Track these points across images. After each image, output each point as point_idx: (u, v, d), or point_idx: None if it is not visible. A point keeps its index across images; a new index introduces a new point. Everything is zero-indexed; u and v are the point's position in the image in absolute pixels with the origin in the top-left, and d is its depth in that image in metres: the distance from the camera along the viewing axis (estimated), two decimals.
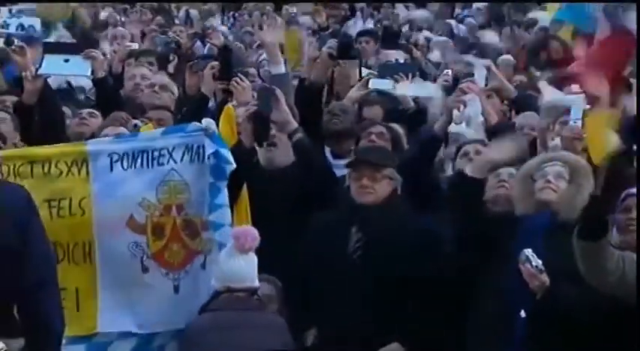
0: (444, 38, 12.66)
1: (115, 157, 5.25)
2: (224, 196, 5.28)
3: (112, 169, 5.25)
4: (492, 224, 5.08)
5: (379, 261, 5.27)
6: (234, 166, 5.26)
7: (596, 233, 4.32)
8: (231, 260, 5.03)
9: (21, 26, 13.32)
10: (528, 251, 4.66)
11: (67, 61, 6.59)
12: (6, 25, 13.39)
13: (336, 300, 5.31)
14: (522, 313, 4.71)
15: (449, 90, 7.26)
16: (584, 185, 4.90)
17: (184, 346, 5.08)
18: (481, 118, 6.96)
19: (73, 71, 6.81)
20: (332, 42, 7.39)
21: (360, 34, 11.19)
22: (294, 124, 5.90)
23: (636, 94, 7.50)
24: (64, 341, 4.36)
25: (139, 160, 5.27)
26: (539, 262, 4.63)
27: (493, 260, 4.94)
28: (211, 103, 6.96)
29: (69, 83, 8.33)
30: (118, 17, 14.66)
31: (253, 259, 5.04)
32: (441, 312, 5.24)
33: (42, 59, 6.83)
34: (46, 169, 5.17)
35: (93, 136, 6.31)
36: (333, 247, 5.39)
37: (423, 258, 5.26)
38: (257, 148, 5.88)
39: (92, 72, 6.96)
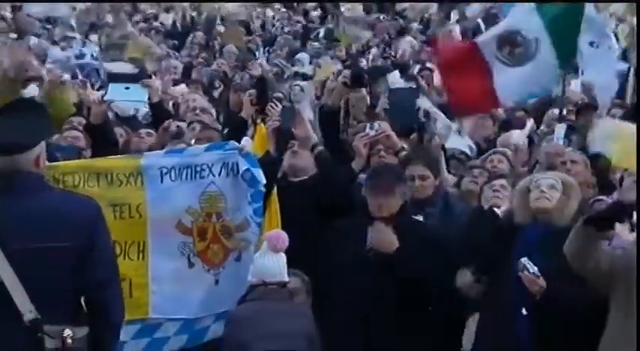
0: None
1: (164, 170, 5.25)
2: (258, 207, 5.33)
3: (162, 180, 5.24)
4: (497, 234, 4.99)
5: (390, 260, 5.14)
6: (264, 182, 5.30)
7: (605, 226, 4.34)
8: (265, 259, 5.05)
9: (92, 55, 13.36)
10: (525, 260, 4.57)
11: (127, 88, 6.58)
12: (82, 55, 13.42)
13: (351, 292, 5.23)
14: (524, 311, 4.59)
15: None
16: (573, 196, 4.83)
17: (231, 331, 5.03)
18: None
19: (132, 97, 6.75)
20: (346, 73, 7.34)
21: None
22: (315, 139, 5.89)
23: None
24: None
25: (184, 173, 5.27)
26: (536, 268, 4.54)
27: (497, 265, 4.82)
28: None
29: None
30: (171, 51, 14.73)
31: (283, 257, 5.06)
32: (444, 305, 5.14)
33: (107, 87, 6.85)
34: (109, 179, 5.16)
35: (150, 149, 6.40)
36: (348, 246, 5.30)
37: (431, 256, 5.13)
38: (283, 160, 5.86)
39: (149, 98, 6.92)
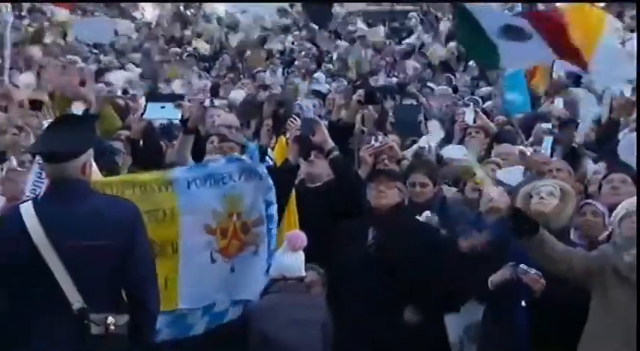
0: (444, 87, 12.56)
1: (191, 179, 5.24)
2: (273, 205, 5.31)
3: (189, 187, 5.22)
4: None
5: (390, 254, 5.09)
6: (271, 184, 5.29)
7: (527, 232, 4.22)
8: (285, 256, 5.06)
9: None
10: (524, 266, 4.51)
11: (163, 107, 6.61)
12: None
13: (354, 287, 5.17)
14: (523, 303, 4.55)
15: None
16: (569, 202, 4.79)
17: (254, 320, 5.06)
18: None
19: (166, 115, 6.77)
20: (360, 92, 7.33)
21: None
22: (331, 144, 5.83)
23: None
24: None
25: (208, 181, 5.25)
26: (534, 270, 4.49)
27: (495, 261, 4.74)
28: None
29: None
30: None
31: (302, 255, 5.08)
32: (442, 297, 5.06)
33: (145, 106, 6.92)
34: (143, 189, 5.14)
35: None
36: (354, 245, 5.26)
37: (428, 253, 5.06)
38: (301, 166, 5.83)
39: (182, 115, 6.93)
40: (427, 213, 5.63)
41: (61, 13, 15.86)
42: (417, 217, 5.55)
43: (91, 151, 3.90)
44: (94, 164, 4.08)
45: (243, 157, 5.64)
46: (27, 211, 3.73)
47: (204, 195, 5.22)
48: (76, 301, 3.68)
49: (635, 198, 4.61)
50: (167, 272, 5.13)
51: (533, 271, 4.45)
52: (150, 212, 5.08)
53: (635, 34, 7.96)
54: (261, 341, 4.99)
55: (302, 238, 5.09)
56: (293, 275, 5.06)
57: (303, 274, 5.10)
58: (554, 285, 4.45)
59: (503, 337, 4.54)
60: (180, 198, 5.17)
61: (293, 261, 5.07)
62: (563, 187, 4.82)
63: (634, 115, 7.35)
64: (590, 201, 5.33)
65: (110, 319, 3.73)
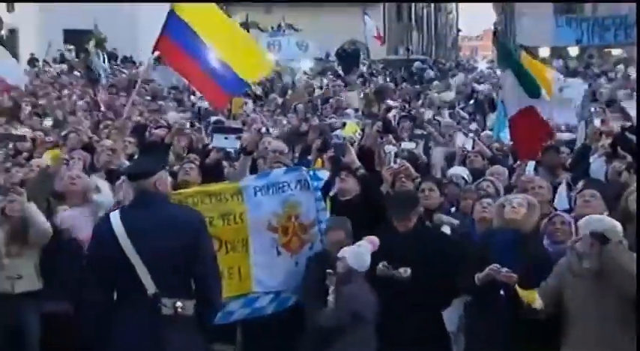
0: (449, 120, 12.46)
1: (257, 188, 5.25)
2: (320, 212, 5.35)
3: (255, 195, 5.23)
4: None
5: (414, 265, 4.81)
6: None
7: None
8: (367, 255, 4.75)
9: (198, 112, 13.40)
10: (497, 266, 4.42)
11: (226, 138, 6.63)
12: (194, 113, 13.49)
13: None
14: (502, 292, 4.47)
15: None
16: (535, 212, 4.76)
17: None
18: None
19: (228, 145, 6.75)
20: (378, 123, 7.32)
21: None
22: (358, 163, 5.79)
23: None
24: (230, 299, 4.70)
25: (271, 190, 5.26)
26: (505, 269, 4.42)
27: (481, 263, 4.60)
28: None
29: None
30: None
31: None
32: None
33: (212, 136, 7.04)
34: (218, 198, 5.15)
35: None
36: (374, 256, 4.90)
37: (439, 256, 4.84)
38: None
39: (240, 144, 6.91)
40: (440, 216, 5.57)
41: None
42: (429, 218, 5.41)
43: (162, 172, 3.93)
44: (167, 180, 4.10)
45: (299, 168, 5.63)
46: (115, 218, 3.79)
47: (267, 201, 5.23)
48: (150, 288, 3.70)
49: (596, 216, 4.47)
50: (239, 264, 5.17)
51: (505, 269, 4.39)
52: (224, 216, 5.12)
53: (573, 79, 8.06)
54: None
55: (375, 243, 4.81)
56: (362, 268, 4.73)
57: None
58: (522, 275, 4.38)
59: (488, 327, 4.45)
60: (249, 204, 5.18)
61: (367, 258, 4.75)
62: (529, 199, 4.80)
63: (602, 142, 7.26)
64: (559, 212, 5.34)
65: (178, 304, 3.72)
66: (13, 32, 21.87)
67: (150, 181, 3.82)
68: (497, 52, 7.08)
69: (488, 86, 18.32)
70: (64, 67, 20.53)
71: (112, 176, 6.31)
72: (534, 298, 4.23)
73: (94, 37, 16.86)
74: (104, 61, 18.05)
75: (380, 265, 4.76)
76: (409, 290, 4.75)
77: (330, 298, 4.67)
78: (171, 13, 6.57)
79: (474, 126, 12.18)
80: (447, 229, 5.42)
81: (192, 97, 15.25)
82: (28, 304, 5.18)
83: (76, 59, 20.41)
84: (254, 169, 6.42)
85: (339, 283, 4.69)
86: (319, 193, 5.37)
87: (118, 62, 20.61)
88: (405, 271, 4.75)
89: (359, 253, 4.71)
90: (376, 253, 4.78)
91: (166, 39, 6.58)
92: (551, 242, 5.00)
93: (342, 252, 4.73)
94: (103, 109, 11.99)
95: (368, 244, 4.76)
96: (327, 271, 4.77)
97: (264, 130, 9.02)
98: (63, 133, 8.37)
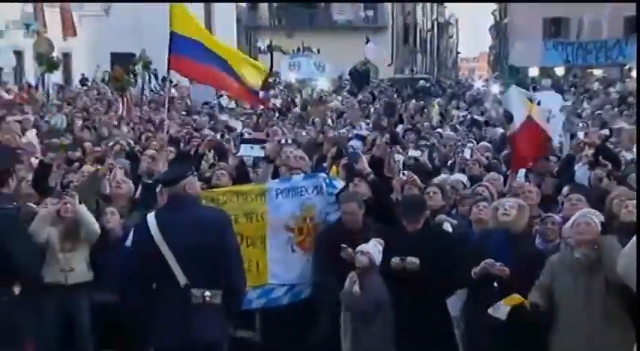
0: (451, 133, 12.36)
1: (279, 191, 5.24)
2: (331, 214, 5.29)
3: (276, 197, 5.22)
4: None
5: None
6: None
7: None
8: (381, 252, 4.76)
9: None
10: (491, 260, 4.39)
11: (252, 148, 6.63)
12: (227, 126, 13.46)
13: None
14: (495, 284, 4.42)
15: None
16: (525, 214, 4.72)
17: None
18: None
19: (254, 153, 6.78)
20: (387, 136, 7.28)
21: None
22: (368, 170, 5.72)
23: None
24: (250, 288, 4.55)
25: (290, 193, 5.24)
26: (499, 263, 4.38)
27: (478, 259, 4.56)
28: None
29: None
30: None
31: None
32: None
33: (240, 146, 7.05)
34: (243, 198, 5.16)
35: None
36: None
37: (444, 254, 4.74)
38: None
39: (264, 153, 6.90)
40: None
41: (183, 80, 16.10)
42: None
43: (190, 177, 3.90)
44: (196, 184, 4.09)
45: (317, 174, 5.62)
46: (151, 219, 3.81)
47: (287, 203, 5.21)
48: (182, 280, 3.71)
49: (585, 210, 4.44)
50: (258, 258, 5.15)
51: (498, 264, 4.35)
52: (248, 214, 5.13)
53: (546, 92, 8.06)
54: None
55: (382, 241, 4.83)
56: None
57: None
58: (514, 269, 4.34)
59: (484, 315, 4.35)
60: (270, 205, 5.17)
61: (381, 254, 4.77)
62: (520, 203, 4.77)
63: (585, 152, 7.20)
64: (550, 214, 5.29)
65: (207, 293, 3.73)
66: (66, 56, 22.11)
67: (180, 185, 3.82)
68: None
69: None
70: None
71: None
72: (519, 299, 4.16)
73: (141, 59, 16.92)
74: (149, 81, 18.19)
75: (393, 260, 4.76)
76: (417, 282, 4.71)
77: (356, 287, 4.65)
78: (173, 34, 6.45)
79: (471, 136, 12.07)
80: (448, 227, 5.37)
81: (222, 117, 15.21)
82: (80, 294, 5.21)
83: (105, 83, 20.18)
84: (275, 176, 6.39)
85: (362, 275, 4.68)
86: (333, 199, 5.32)
87: (159, 82, 20.72)
88: (414, 262, 4.73)
89: (377, 250, 4.73)
90: (388, 250, 4.76)
91: (175, 57, 6.48)
92: (542, 241, 4.98)
93: (363, 247, 4.72)
94: (133, 119, 12.02)
95: (379, 244, 4.78)
96: (342, 245, 4.75)
97: (284, 141, 9.01)
98: (110, 144, 8.44)
